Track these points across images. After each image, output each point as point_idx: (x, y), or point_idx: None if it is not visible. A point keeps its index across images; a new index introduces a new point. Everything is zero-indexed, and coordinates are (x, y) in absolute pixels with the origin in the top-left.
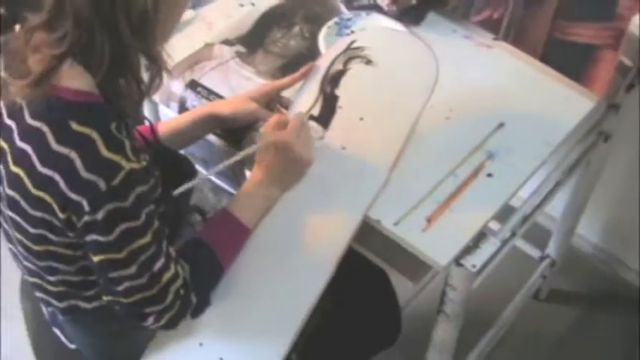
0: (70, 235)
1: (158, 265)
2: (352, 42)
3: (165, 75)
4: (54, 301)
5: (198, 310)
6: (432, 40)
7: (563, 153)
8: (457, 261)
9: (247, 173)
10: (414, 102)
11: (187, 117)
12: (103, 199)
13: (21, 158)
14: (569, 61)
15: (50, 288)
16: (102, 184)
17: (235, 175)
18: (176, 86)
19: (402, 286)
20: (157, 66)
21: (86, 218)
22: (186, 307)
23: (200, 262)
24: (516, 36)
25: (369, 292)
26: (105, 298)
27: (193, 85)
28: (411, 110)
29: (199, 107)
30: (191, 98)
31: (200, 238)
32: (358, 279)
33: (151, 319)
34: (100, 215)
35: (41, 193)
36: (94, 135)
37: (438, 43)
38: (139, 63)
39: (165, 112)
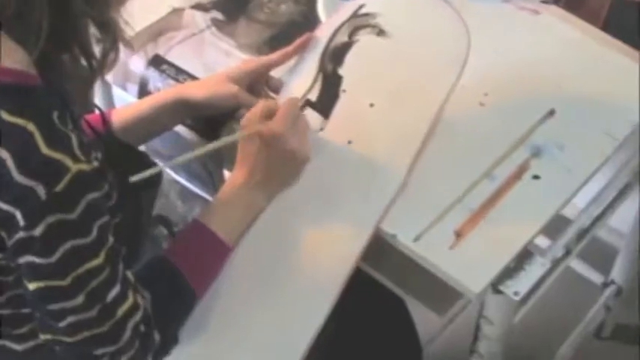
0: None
1: (112, 293)
2: (360, 7)
3: (122, 48)
4: None
5: (162, 351)
6: (462, 4)
7: (631, 149)
8: (495, 287)
9: (226, 174)
10: (438, 84)
11: (149, 103)
12: (43, 209)
13: None
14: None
15: None
16: (41, 191)
17: (211, 177)
18: (135, 63)
19: (424, 318)
20: (112, 36)
21: (20, 235)
22: (148, 348)
23: (165, 290)
24: None
25: (383, 326)
26: (42, 337)
27: (157, 62)
28: (434, 94)
29: (165, 91)
30: (154, 79)
31: (166, 257)
32: (369, 309)
33: None
34: (38, 231)
35: None
36: (31, 127)
37: (470, 8)
38: (87, 33)
39: (121, 96)
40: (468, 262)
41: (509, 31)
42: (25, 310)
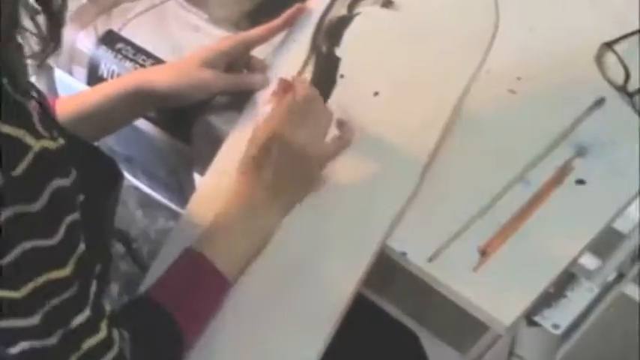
0: None
1: (79, 319)
2: None
3: (66, 23)
4: None
5: None
6: None
7: None
8: (529, 318)
9: (197, 178)
10: (458, 67)
11: (102, 92)
12: (0, 199)
13: None
14: None
15: None
16: None
17: (179, 183)
18: (83, 41)
19: (443, 357)
20: (52, 10)
21: None
22: None
23: (149, 332)
24: None
25: None
26: None
27: (110, 40)
28: (454, 81)
29: (122, 77)
30: (107, 60)
31: (151, 293)
32: (376, 346)
33: None
34: None
35: None
36: None
37: None
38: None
39: (65, 81)
40: (495, 288)
41: (546, 4)
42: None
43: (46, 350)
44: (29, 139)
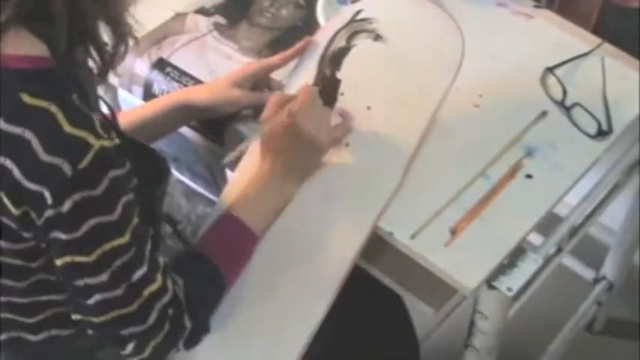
0: (25, 237)
1: (139, 273)
2: (357, 12)
3: (131, 43)
4: None
5: (193, 339)
6: (457, 9)
7: (622, 148)
8: (489, 283)
9: (229, 174)
10: (433, 86)
11: (155, 106)
12: (69, 186)
13: None
14: (629, 33)
15: None
16: (67, 168)
17: (214, 177)
18: (140, 67)
19: (421, 314)
20: (120, 32)
21: (49, 213)
22: (178, 333)
23: (198, 277)
24: (563, 2)
25: (381, 322)
26: (74, 317)
27: (161, 65)
28: (429, 97)
29: (170, 94)
30: (158, 81)
31: (198, 247)
32: (368, 305)
33: (130, 347)
34: (65, 207)
35: None
36: (53, 108)
37: (465, 12)
38: (98, 28)
39: (126, 98)
40: (462, 259)
41: (503, 35)
42: (44, 298)
43: (114, 299)
44: (91, 139)
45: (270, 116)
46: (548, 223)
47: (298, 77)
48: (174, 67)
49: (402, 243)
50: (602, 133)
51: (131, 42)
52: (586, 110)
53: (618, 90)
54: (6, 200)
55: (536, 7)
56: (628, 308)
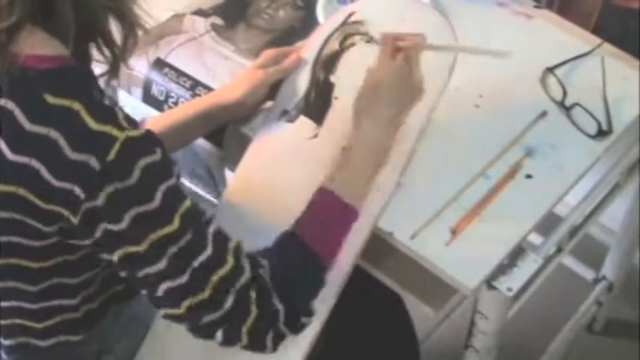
0: (47, 233)
1: (201, 258)
2: (349, 15)
3: (140, 33)
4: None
5: (294, 322)
6: (458, 9)
7: (622, 148)
8: (489, 283)
9: (228, 174)
10: (428, 87)
11: (184, 112)
12: (100, 180)
13: None
14: (630, 33)
15: None
16: (94, 163)
17: (213, 179)
18: (138, 67)
19: (420, 314)
20: (129, 23)
21: (85, 207)
22: (270, 317)
23: (287, 259)
24: (563, 3)
25: (381, 322)
26: (161, 313)
27: (159, 65)
28: (425, 97)
29: (196, 101)
30: (157, 82)
31: (289, 231)
32: (368, 305)
33: (219, 336)
34: (100, 201)
35: (11, 188)
36: (76, 106)
37: (465, 12)
38: (108, 22)
39: (126, 99)
40: (463, 259)
41: (503, 35)
42: (56, 303)
43: (182, 286)
44: (116, 132)
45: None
46: (548, 223)
47: (291, 81)
48: (172, 68)
49: (402, 243)
50: (602, 133)
51: (140, 33)
52: (586, 110)
53: (618, 90)
54: (33, 199)
55: (536, 7)
56: (628, 308)
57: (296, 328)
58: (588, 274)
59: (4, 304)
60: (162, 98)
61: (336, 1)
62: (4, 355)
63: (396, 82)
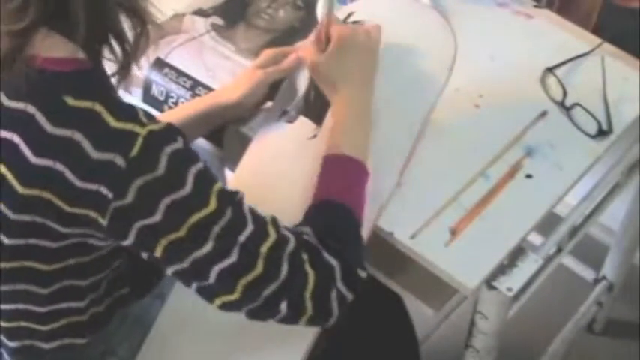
0: (65, 234)
1: (245, 233)
2: (349, 15)
3: (152, 30)
4: (3, 339)
5: (351, 277)
6: (458, 9)
7: (622, 148)
8: (489, 283)
9: (228, 174)
10: (426, 89)
11: (185, 112)
12: (127, 176)
13: (3, 152)
14: (630, 33)
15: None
16: (120, 161)
17: None
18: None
19: (420, 314)
20: (141, 21)
21: (115, 206)
22: (328, 275)
23: (325, 219)
24: (563, 3)
25: (381, 322)
26: (215, 305)
27: (159, 65)
28: (423, 99)
29: (200, 99)
30: (157, 82)
31: (313, 200)
32: (367, 305)
33: (284, 308)
34: (129, 197)
35: (34, 192)
36: (97, 107)
37: (465, 13)
38: (119, 21)
39: (126, 100)
40: (463, 259)
41: (503, 35)
42: (64, 305)
43: (233, 265)
44: (137, 129)
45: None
46: (548, 223)
47: (291, 81)
48: (172, 67)
49: (402, 243)
50: (602, 133)
51: (151, 30)
52: (586, 110)
53: (618, 90)
54: (58, 202)
55: (536, 7)
56: (628, 308)
57: (354, 283)
58: (588, 274)
59: (10, 306)
60: (162, 98)
61: (336, 1)
62: (7, 357)
63: (357, 43)
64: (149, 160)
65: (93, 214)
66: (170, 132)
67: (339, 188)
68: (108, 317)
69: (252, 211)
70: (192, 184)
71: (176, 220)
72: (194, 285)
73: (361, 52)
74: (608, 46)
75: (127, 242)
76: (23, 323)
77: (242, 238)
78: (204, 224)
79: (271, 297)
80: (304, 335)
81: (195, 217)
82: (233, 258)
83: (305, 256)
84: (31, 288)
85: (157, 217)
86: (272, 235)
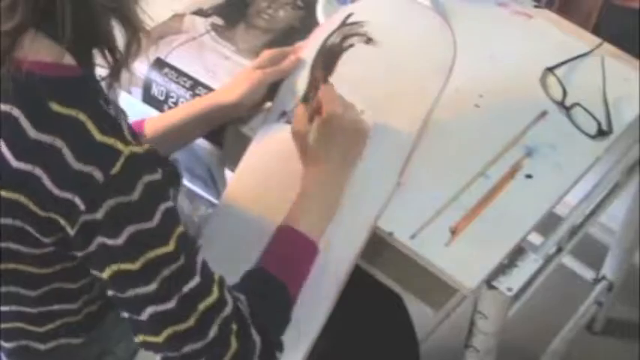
0: (45, 243)
1: (190, 285)
2: (348, 16)
3: (143, 38)
4: None
5: (267, 356)
6: (457, 9)
7: (622, 148)
8: (489, 283)
9: (228, 174)
10: (426, 89)
11: (183, 113)
12: (102, 192)
13: None
14: (630, 33)
15: None
16: (98, 175)
17: (213, 179)
18: (138, 67)
19: (420, 314)
20: (133, 27)
21: (84, 219)
22: (249, 350)
23: (260, 292)
24: (563, 3)
25: (381, 322)
26: (137, 340)
27: (159, 66)
28: (422, 99)
29: (198, 100)
30: (157, 82)
31: (257, 265)
32: (368, 305)
33: None
34: (100, 214)
35: (14, 195)
36: (82, 116)
37: (465, 13)
38: (110, 26)
39: (126, 99)
40: (462, 259)
41: (503, 35)
42: (56, 307)
43: (167, 313)
44: (120, 145)
45: (301, 123)
46: (548, 223)
47: (290, 82)
48: (172, 68)
49: (402, 243)
50: (602, 133)
51: (143, 37)
52: (586, 110)
53: (618, 90)
54: (33, 207)
55: (536, 7)
56: (628, 308)
57: None
58: (588, 274)
59: (4, 308)
60: (162, 98)
61: (336, 2)
62: (4, 358)
63: (345, 126)
64: (126, 183)
65: (62, 222)
66: (151, 160)
67: (283, 264)
68: (102, 317)
69: (204, 265)
70: (159, 220)
71: (135, 250)
72: (125, 314)
73: (347, 136)
74: (608, 46)
75: (80, 254)
76: (18, 324)
77: (186, 289)
78: (157, 262)
79: (191, 354)
80: (304, 335)
81: (152, 254)
82: (170, 305)
83: (234, 327)
84: (20, 291)
85: (119, 241)
86: (214, 294)
